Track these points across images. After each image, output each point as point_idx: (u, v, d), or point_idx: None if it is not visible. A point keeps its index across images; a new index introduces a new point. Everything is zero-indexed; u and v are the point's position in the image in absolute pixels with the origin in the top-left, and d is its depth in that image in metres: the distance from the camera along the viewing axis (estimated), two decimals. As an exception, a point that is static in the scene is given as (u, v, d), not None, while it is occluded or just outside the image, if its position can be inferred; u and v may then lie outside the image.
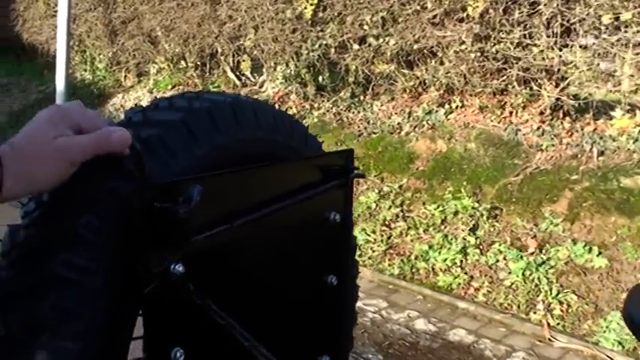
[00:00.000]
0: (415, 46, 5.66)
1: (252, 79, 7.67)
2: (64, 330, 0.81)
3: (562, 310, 3.77)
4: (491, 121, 5.35)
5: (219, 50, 7.54)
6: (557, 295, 3.84)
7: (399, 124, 5.80)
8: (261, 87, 7.54)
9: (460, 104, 5.62)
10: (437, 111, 5.68)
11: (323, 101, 6.59)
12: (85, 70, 9.23)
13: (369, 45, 6.01)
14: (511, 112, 5.31)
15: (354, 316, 1.36)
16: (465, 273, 4.24)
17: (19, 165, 0.77)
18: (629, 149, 4.50)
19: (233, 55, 7.50)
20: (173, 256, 0.86)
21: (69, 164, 0.81)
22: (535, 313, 3.80)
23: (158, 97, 1.13)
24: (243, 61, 7.32)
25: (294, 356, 1.18)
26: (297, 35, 6.58)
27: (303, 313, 1.19)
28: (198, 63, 7.96)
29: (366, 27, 5.97)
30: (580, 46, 4.80)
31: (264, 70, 7.32)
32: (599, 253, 3.99)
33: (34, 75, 10.08)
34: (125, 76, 8.91)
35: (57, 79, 7.89)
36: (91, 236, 0.82)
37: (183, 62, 8.07)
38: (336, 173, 1.19)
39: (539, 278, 3.97)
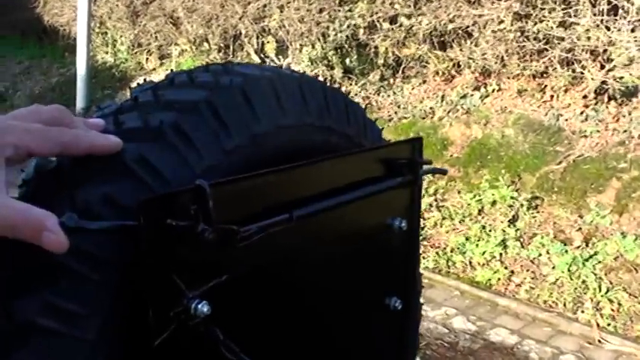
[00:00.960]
0: (449, 26, 5.38)
1: (277, 62, 7.42)
2: None
3: (612, 310, 3.51)
4: (531, 105, 5.06)
5: (243, 31, 7.31)
6: (606, 292, 3.58)
7: (431, 108, 5.53)
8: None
9: (497, 87, 5.33)
10: (472, 95, 5.39)
11: (351, 85, 6.32)
12: (107, 53, 9.04)
13: (401, 25, 5.73)
14: (552, 96, 5.02)
15: (417, 343, 1.13)
16: (505, 267, 3.99)
17: None
18: (682, 136, 4.20)
19: (257, 37, 7.25)
20: (196, 293, 0.64)
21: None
22: (583, 312, 3.54)
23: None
24: (268, 42, 7.07)
25: None
26: (324, 15, 6.32)
27: (359, 349, 0.96)
28: (222, 45, 7.72)
29: (397, 6, 5.69)
30: (632, 30, 4.49)
31: (289, 52, 7.06)
32: (652, 247, 3.72)
33: (55, 57, 9.92)
34: (147, 59, 8.71)
35: (78, 62, 7.73)
36: (80, 267, 0.60)
37: (206, 44, 7.84)
38: (402, 168, 0.95)
39: (586, 274, 3.71)
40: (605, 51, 4.65)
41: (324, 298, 0.87)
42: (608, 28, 4.56)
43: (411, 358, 1.11)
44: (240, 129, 0.74)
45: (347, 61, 6.45)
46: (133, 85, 0.79)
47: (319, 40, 6.49)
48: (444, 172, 1.15)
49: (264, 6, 6.95)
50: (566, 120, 4.79)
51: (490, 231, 4.23)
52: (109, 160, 0.64)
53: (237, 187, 0.68)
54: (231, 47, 7.72)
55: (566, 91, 4.96)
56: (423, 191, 4.72)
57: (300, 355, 0.84)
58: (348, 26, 6.11)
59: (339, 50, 6.41)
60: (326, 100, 0.88)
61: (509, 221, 4.25)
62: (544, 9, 4.78)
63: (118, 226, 0.60)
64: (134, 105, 0.72)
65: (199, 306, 0.63)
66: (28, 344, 0.58)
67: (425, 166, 1.01)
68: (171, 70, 0.85)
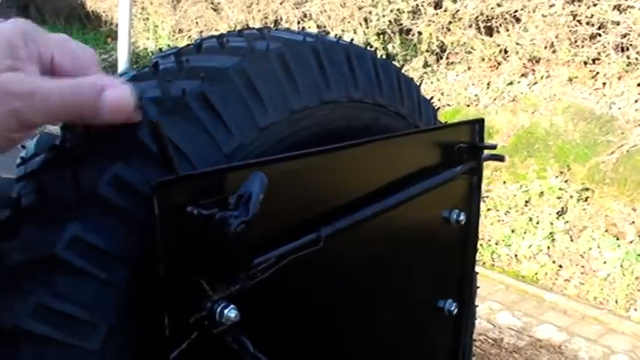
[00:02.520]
0: (497, 10, 5.20)
1: (318, 48, 7.31)
2: None
3: (668, 308, 3.33)
4: (582, 93, 4.85)
5: (284, 17, 7.20)
6: (661, 290, 3.40)
7: (476, 95, 5.36)
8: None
9: (546, 74, 5.13)
10: (519, 82, 5.21)
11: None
12: (148, 39, 9.04)
13: (446, 9, 5.57)
14: (604, 83, 4.80)
15: (471, 349, 1.02)
16: (553, 262, 3.82)
17: None
18: None
19: (298, 22, 7.14)
20: (222, 295, 0.54)
21: (14, 121, 0.46)
22: (636, 310, 3.37)
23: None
24: (309, 27, 6.95)
25: None
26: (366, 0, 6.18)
27: (411, 347, 0.86)
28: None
29: (442, -11, 5.52)
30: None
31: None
32: None
33: (97, 43, 9.97)
34: (188, 45, 8.69)
35: (119, 48, 7.71)
36: (84, 264, 0.50)
37: (246, 30, 7.77)
38: (462, 154, 0.84)
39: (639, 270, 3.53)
40: (662, 36, 4.43)
41: (371, 301, 0.77)
42: (666, 12, 4.33)
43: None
44: (276, 102, 0.63)
45: (389, 47, 6.30)
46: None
47: (361, 25, 6.35)
48: (502, 158, 1.03)
49: (306, -10, 6.84)
50: (620, 108, 4.57)
51: (537, 223, 4.06)
52: (121, 135, 0.53)
53: (275, 171, 0.58)
54: (272, 33, 7.64)
55: (619, 78, 4.74)
56: (467, 181, 4.60)
57: None
58: (391, 11, 5.96)
59: (381, 36, 6.27)
60: (377, 74, 0.78)
61: (557, 213, 4.07)
62: (598, -8, 4.57)
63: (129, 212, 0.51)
64: (154, 72, 0.61)
65: (226, 311, 0.54)
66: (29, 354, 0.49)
67: (485, 152, 0.89)
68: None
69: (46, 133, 0.58)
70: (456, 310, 0.88)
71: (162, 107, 0.57)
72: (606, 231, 3.85)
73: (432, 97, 0.97)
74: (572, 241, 3.89)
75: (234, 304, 0.54)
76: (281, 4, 7.12)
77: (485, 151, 0.91)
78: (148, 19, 9.04)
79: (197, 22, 8.30)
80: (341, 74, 0.72)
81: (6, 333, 0.48)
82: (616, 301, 3.45)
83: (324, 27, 6.84)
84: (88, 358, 0.50)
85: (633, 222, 3.84)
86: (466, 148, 0.85)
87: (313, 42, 0.70)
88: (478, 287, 1.03)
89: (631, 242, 3.70)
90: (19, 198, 0.53)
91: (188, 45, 0.68)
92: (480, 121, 0.87)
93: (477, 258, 3.90)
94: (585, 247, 3.81)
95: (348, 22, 6.45)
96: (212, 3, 8.05)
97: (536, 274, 3.78)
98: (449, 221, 0.85)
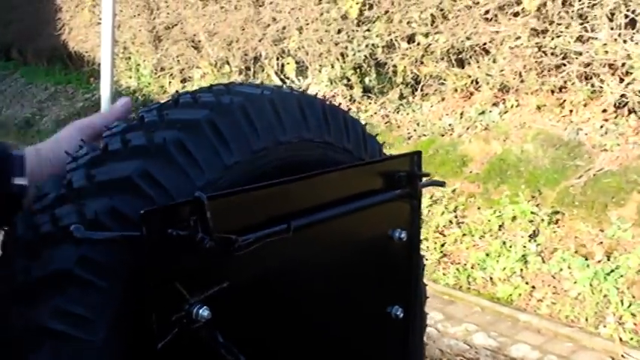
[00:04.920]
0: (467, 43, 5.41)
1: (297, 82, 7.49)
2: None
3: (635, 324, 3.47)
4: (550, 120, 5.05)
5: (263, 53, 7.40)
6: (629, 306, 3.54)
7: (450, 125, 5.54)
8: (306, 90, 7.36)
9: (515, 103, 5.33)
10: (491, 111, 5.40)
11: (370, 103, 6.37)
12: (130, 77, 9.21)
13: (418, 43, 5.78)
14: (571, 111, 5.00)
15: (422, 351, 1.14)
16: (526, 283, 3.96)
17: (39, 171, 0.82)
18: (703, 148, 4.16)
19: (277, 58, 7.34)
20: (197, 298, 0.67)
21: None
22: (605, 326, 3.51)
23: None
24: (288, 63, 7.15)
25: None
26: (342, 35, 6.39)
27: (361, 347, 0.98)
28: (242, 67, 7.83)
29: (414, 24, 5.74)
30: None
31: (308, 72, 7.13)
32: (675, 260, 3.68)
33: (80, 83, 10.12)
34: (169, 82, 8.84)
35: (102, 87, 7.83)
36: (88, 274, 0.63)
37: (227, 66, 7.95)
38: (401, 181, 0.97)
39: (608, 288, 3.67)
40: (623, 64, 4.64)
41: (324, 307, 0.89)
42: (625, 42, 4.55)
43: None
44: (239, 145, 0.77)
45: (366, 80, 6.50)
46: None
47: (338, 60, 6.55)
48: (441, 184, 1.16)
49: (284, 28, 7.03)
50: (586, 134, 4.77)
51: (510, 246, 4.21)
52: (116, 176, 0.68)
53: (236, 200, 0.71)
54: (252, 69, 7.82)
55: (585, 105, 4.94)
56: (443, 208, 4.74)
57: None
58: (367, 46, 6.17)
59: (358, 70, 6.46)
60: (325, 117, 0.91)
61: (529, 236, 4.23)
62: (561, 24, 4.79)
63: (123, 236, 0.64)
64: (141, 124, 0.76)
65: (200, 311, 0.66)
66: (43, 347, 0.62)
67: (424, 179, 1.03)
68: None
69: (55, 177, 0.72)
70: (402, 315, 1.00)
71: (147, 152, 0.71)
72: (576, 252, 4.00)
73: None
74: (544, 262, 4.04)
75: (208, 305, 0.67)
76: (260, 41, 7.31)
77: (426, 178, 1.04)
78: (129, 58, 9.21)
79: (178, 61, 8.48)
80: (294, 118, 0.85)
81: (32, 331, 0.62)
82: (586, 319, 3.59)
83: (303, 62, 7.04)
84: (94, 349, 0.64)
85: (601, 242, 4.00)
86: (404, 176, 0.97)
87: (270, 94, 0.84)
88: (428, 298, 1.15)
89: (599, 262, 3.85)
90: (38, 226, 0.67)
91: (168, 100, 0.82)
92: (418, 153, 1.00)
93: (454, 282, 4.02)
94: (556, 267, 3.95)
95: (326, 57, 6.65)
96: (193, 41, 8.24)
97: (510, 295, 3.92)
98: (393, 238, 0.98)
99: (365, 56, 6.24)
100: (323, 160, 0.90)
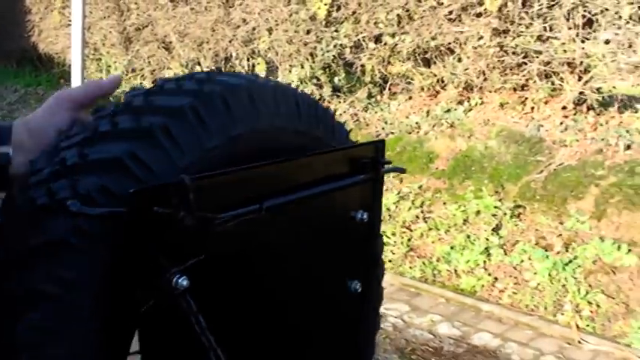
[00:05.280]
0: (432, 43, 5.54)
1: (268, 83, 7.56)
2: (44, 355, 0.71)
3: (591, 311, 3.62)
4: (512, 117, 5.20)
5: (234, 54, 7.47)
6: (585, 295, 3.69)
7: (417, 123, 5.67)
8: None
9: (479, 101, 5.48)
10: (456, 109, 5.54)
11: (339, 102, 6.48)
12: (101, 79, 9.19)
13: (385, 44, 5.90)
14: (532, 108, 5.16)
15: (378, 322, 1.24)
16: (489, 274, 4.10)
17: (30, 142, 0.87)
18: (656, 142, 4.34)
19: (247, 59, 7.41)
20: (177, 267, 0.74)
21: None
22: (563, 314, 3.65)
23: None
24: (258, 64, 7.23)
25: None
26: (311, 36, 6.49)
27: (321, 325, 1.07)
28: (213, 68, 7.88)
29: (381, 25, 5.86)
30: (605, 42, 4.64)
31: (279, 72, 7.21)
32: (629, 250, 3.84)
33: (50, 85, 10.08)
34: (141, 83, 8.86)
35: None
36: (78, 242, 0.72)
37: (198, 67, 8.00)
38: (364, 167, 1.05)
39: (566, 278, 3.82)
40: (581, 63, 4.80)
41: (291, 280, 0.97)
42: (583, 41, 4.71)
43: (370, 337, 1.21)
44: (218, 131, 0.84)
45: (335, 79, 6.62)
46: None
47: (307, 60, 6.64)
48: (402, 170, 1.24)
49: (254, 29, 7.11)
50: (547, 130, 4.93)
51: (474, 240, 4.34)
52: (106, 156, 0.76)
53: (215, 182, 0.79)
54: (223, 69, 7.86)
55: (546, 102, 5.10)
56: (410, 204, 4.86)
57: (267, 329, 0.94)
58: (335, 46, 6.27)
59: (327, 69, 6.57)
60: (297, 105, 0.98)
61: (492, 230, 4.36)
62: (521, 24, 4.94)
63: (114, 212, 0.72)
64: (126, 108, 0.83)
65: (180, 280, 0.73)
66: (34, 307, 0.71)
67: (386, 166, 1.10)
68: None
69: (47, 153, 0.80)
70: (360, 289, 1.08)
71: (135, 135, 0.78)
72: (536, 244, 4.14)
73: (345, 121, 1.17)
74: (506, 254, 4.18)
75: (187, 275, 0.74)
76: (230, 42, 7.38)
77: (388, 165, 1.12)
78: (100, 59, 9.21)
79: (149, 62, 8.50)
80: (268, 107, 0.92)
81: (29, 294, 0.71)
82: (545, 308, 3.73)
83: (273, 62, 7.12)
84: (84, 310, 0.73)
85: (560, 234, 4.15)
86: (369, 162, 1.05)
87: (247, 84, 0.90)
88: (384, 273, 1.24)
89: (558, 253, 4.00)
90: (35, 199, 0.74)
91: (153, 86, 0.89)
92: (382, 142, 1.09)
93: (420, 275, 4.14)
94: (518, 259, 4.09)
95: (295, 57, 6.74)
96: (163, 43, 8.28)
97: (473, 286, 4.05)
98: (355, 219, 1.06)
99: (333, 56, 6.34)
100: (293, 146, 0.97)
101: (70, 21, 8.43)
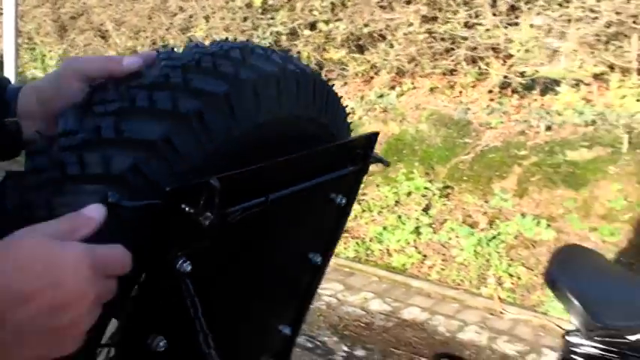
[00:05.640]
0: (365, 30, 5.68)
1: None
2: None
3: (512, 283, 3.84)
4: (442, 101, 5.40)
5: (172, 42, 7.47)
6: (507, 268, 3.91)
7: (352, 108, 5.80)
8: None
9: (411, 86, 5.66)
10: (388, 94, 5.70)
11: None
12: (36, 68, 9.05)
13: (320, 31, 6.01)
14: (461, 92, 5.37)
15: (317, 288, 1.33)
16: (419, 252, 4.28)
17: (40, 109, 0.87)
18: (574, 123, 4.58)
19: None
20: (184, 253, 0.79)
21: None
22: (486, 287, 3.86)
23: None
24: (196, 51, 7.25)
25: (263, 326, 1.15)
26: (248, 23, 6.56)
27: (282, 287, 1.15)
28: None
29: (315, 12, 5.97)
30: (530, 26, 4.85)
31: (217, 60, 7.25)
32: (548, 225, 4.07)
33: (-16, 75, 9.86)
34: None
35: (6, 78, 7.73)
36: (106, 224, 0.73)
37: (135, 56, 7.96)
38: (356, 158, 1.09)
39: (489, 253, 4.03)
40: (505, 48, 5.02)
41: (270, 253, 1.04)
42: (506, 27, 4.92)
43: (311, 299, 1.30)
44: (246, 120, 0.86)
45: (272, 67, 6.69)
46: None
47: (245, 47, 6.70)
48: (386, 163, 1.23)
49: (191, 16, 7.13)
50: (474, 113, 5.13)
51: (405, 220, 4.52)
52: (142, 136, 0.77)
53: (232, 178, 0.82)
54: (161, 58, 7.86)
55: (473, 86, 5.31)
56: (345, 186, 5.01)
57: (243, 292, 1.02)
58: (271, 33, 6.36)
59: (264, 57, 6.64)
60: (313, 94, 0.98)
61: (422, 210, 4.55)
62: (449, 11, 5.13)
63: (147, 205, 0.74)
64: (166, 83, 0.82)
65: (184, 264, 0.78)
66: None
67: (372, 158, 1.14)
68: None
69: (76, 112, 0.79)
70: (319, 262, 1.14)
71: (172, 118, 0.78)
72: (463, 222, 4.35)
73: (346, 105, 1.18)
74: (435, 233, 4.37)
75: (190, 261, 0.78)
76: (167, 29, 7.38)
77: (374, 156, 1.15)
78: (34, 48, 9.06)
79: (85, 50, 8.42)
80: (291, 97, 0.93)
81: None
82: (470, 282, 3.94)
83: None
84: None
85: (485, 212, 4.36)
86: (361, 154, 1.09)
87: (278, 72, 0.90)
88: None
89: (482, 230, 4.21)
90: (65, 165, 0.74)
91: (189, 56, 0.85)
92: (375, 135, 1.12)
93: (354, 255, 4.30)
94: (446, 237, 4.29)
95: (232, 45, 6.79)
96: (99, 31, 8.20)
97: (404, 264, 4.23)
98: (334, 202, 1.10)
99: (270, 43, 6.42)
100: (303, 134, 0.99)
101: (1, 9, 8.27)
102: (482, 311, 3.71)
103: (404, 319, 3.71)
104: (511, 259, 3.97)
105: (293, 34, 6.29)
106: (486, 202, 4.45)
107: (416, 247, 4.33)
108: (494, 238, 4.12)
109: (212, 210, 0.75)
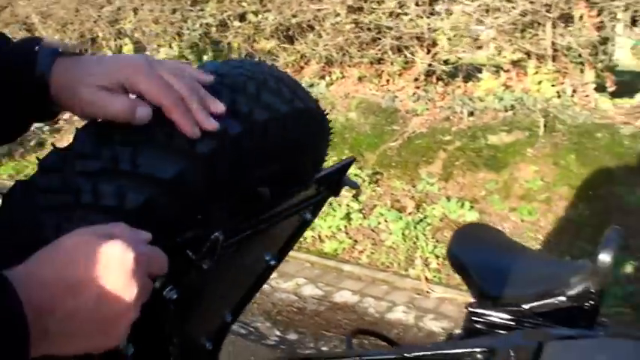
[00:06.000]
0: (293, 21, 5.75)
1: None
2: None
3: (438, 264, 4.00)
4: (370, 90, 5.53)
5: (100, 35, 7.38)
6: (433, 250, 4.07)
7: (283, 98, 5.88)
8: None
9: (340, 75, 5.77)
10: (318, 83, 5.80)
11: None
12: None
13: (249, 22, 6.06)
14: (388, 80, 5.51)
15: None
16: (350, 237, 4.40)
17: (100, 74, 0.79)
18: (495, 108, 4.77)
19: (114, 39, 7.35)
20: (171, 284, 0.81)
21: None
22: (414, 268, 4.01)
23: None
24: (125, 44, 7.19)
25: (211, 314, 1.20)
26: (177, 15, 6.54)
27: (237, 285, 1.21)
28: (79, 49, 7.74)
29: (244, 4, 6.01)
30: (449, 14, 5.01)
31: (147, 52, 7.20)
32: (471, 207, 4.25)
33: None
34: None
35: None
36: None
37: (63, 49, 7.82)
38: (330, 185, 1.13)
39: (417, 236, 4.18)
40: (430, 37, 5.17)
41: (241, 261, 1.10)
42: (429, 17, 5.07)
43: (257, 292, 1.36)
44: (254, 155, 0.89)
45: (204, 58, 6.70)
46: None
47: (175, 39, 6.70)
48: (356, 186, 1.27)
49: (119, 9, 7.06)
50: (401, 101, 5.28)
51: (336, 207, 4.63)
52: (158, 175, 0.78)
53: (235, 229, 0.88)
54: (89, 51, 7.76)
55: (400, 75, 5.46)
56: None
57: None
58: (201, 25, 6.37)
59: (194, 48, 6.65)
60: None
61: (353, 196, 4.66)
62: (374, 1, 5.24)
63: (161, 245, 0.74)
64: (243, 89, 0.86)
65: (172, 292, 0.81)
66: None
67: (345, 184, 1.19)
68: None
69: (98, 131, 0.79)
70: (273, 263, 1.16)
71: (189, 157, 0.78)
72: (392, 207, 4.49)
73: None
74: (365, 218, 4.50)
75: (177, 289, 0.81)
76: (95, 22, 7.28)
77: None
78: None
79: (11, 44, 8.21)
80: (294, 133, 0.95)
81: None
82: (399, 264, 4.08)
83: (140, 42, 7.11)
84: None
85: (413, 197, 4.51)
86: (336, 180, 1.14)
87: (291, 113, 0.91)
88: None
89: (410, 214, 4.35)
90: (80, 191, 0.74)
91: (253, 77, 0.89)
92: (351, 162, 1.17)
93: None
94: (375, 222, 4.42)
95: (162, 37, 6.77)
96: (25, 24, 8.02)
97: (336, 250, 4.34)
98: (302, 217, 1.14)
99: (200, 35, 6.44)
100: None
101: None
102: (410, 292, 3.85)
103: (335, 303, 3.82)
104: (437, 241, 4.13)
105: (223, 25, 6.31)
106: (414, 186, 4.60)
107: (347, 233, 4.45)
108: (421, 221, 4.28)
109: (212, 257, 0.81)
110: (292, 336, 3.50)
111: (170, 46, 6.77)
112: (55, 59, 0.79)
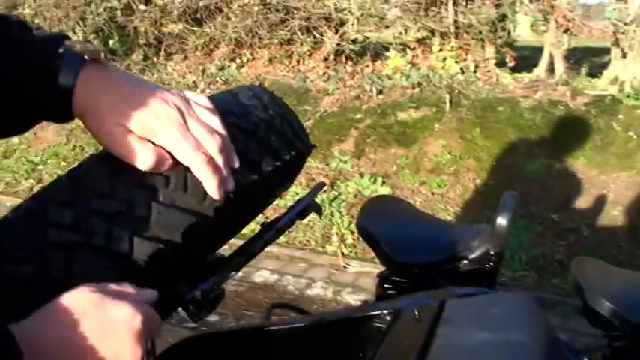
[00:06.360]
0: (201, 3, 5.71)
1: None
2: None
3: (354, 239, 4.10)
4: (281, 71, 5.56)
5: (-3, 21, 7.06)
6: (348, 225, 4.17)
7: (194, 82, 5.84)
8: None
9: (250, 57, 5.77)
10: (229, 66, 5.79)
11: (115, 66, 6.42)
12: None
13: (155, 5, 5.96)
14: (298, 61, 5.56)
15: None
16: (266, 218, 4.43)
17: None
18: (402, 86, 4.91)
19: (13, 25, 7.04)
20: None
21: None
22: (331, 245, 4.10)
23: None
24: (26, 30, 6.91)
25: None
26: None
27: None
28: None
29: (149, -14, 5.90)
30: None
31: (49, 38, 6.95)
32: (383, 182, 4.37)
33: None
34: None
35: None
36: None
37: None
38: (300, 214, 1.11)
39: (332, 213, 4.28)
40: (337, 17, 5.25)
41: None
42: (336, -3, 5.15)
43: None
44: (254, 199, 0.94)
45: (110, 43, 6.54)
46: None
47: (79, 24, 6.49)
48: (319, 212, 1.23)
49: (17, -7, 6.78)
50: (312, 81, 5.35)
51: (252, 188, 4.66)
52: (163, 235, 0.76)
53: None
54: None
55: (309, 55, 5.52)
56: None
57: None
58: (105, 9, 6.20)
59: (99, 33, 6.47)
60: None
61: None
62: (281, -18, 5.28)
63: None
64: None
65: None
66: None
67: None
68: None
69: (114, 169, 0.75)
70: None
71: (197, 215, 0.77)
72: (307, 186, 4.56)
73: None
74: (281, 198, 4.54)
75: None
76: (-9, 8, 6.96)
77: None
78: None
79: None
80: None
81: None
82: (316, 241, 4.16)
83: (41, 29, 6.84)
84: None
85: (327, 175, 4.60)
86: (305, 209, 1.09)
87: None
88: None
89: (325, 192, 4.44)
90: (93, 231, 0.71)
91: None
92: (320, 187, 1.15)
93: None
94: (291, 201, 4.45)
95: (65, 22, 6.55)
96: None
97: (253, 230, 4.36)
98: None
99: (105, 20, 6.27)
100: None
101: None
102: (328, 267, 3.95)
103: (255, 283, 3.87)
104: (352, 217, 4.23)
105: (128, 9, 6.17)
106: (327, 165, 4.69)
107: (264, 214, 4.48)
108: (335, 198, 4.37)
109: (209, 312, 0.84)
110: (213, 317, 3.53)
111: (74, 32, 6.56)
112: (80, 69, 0.73)
